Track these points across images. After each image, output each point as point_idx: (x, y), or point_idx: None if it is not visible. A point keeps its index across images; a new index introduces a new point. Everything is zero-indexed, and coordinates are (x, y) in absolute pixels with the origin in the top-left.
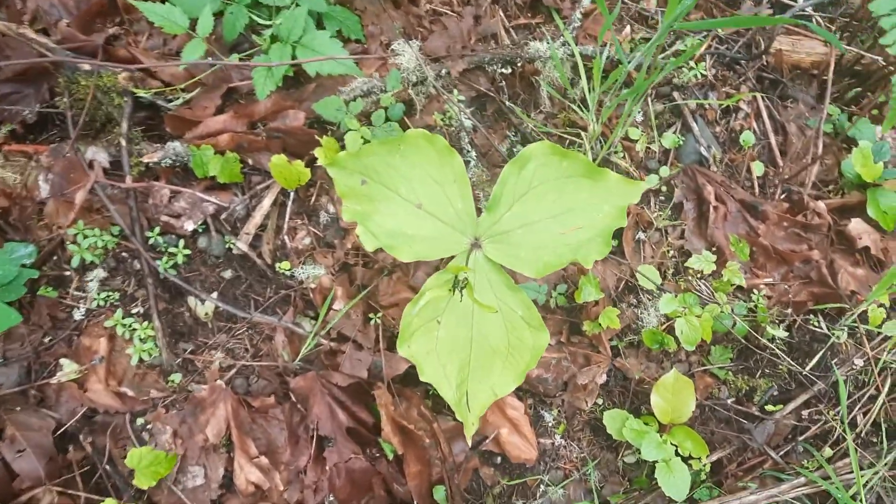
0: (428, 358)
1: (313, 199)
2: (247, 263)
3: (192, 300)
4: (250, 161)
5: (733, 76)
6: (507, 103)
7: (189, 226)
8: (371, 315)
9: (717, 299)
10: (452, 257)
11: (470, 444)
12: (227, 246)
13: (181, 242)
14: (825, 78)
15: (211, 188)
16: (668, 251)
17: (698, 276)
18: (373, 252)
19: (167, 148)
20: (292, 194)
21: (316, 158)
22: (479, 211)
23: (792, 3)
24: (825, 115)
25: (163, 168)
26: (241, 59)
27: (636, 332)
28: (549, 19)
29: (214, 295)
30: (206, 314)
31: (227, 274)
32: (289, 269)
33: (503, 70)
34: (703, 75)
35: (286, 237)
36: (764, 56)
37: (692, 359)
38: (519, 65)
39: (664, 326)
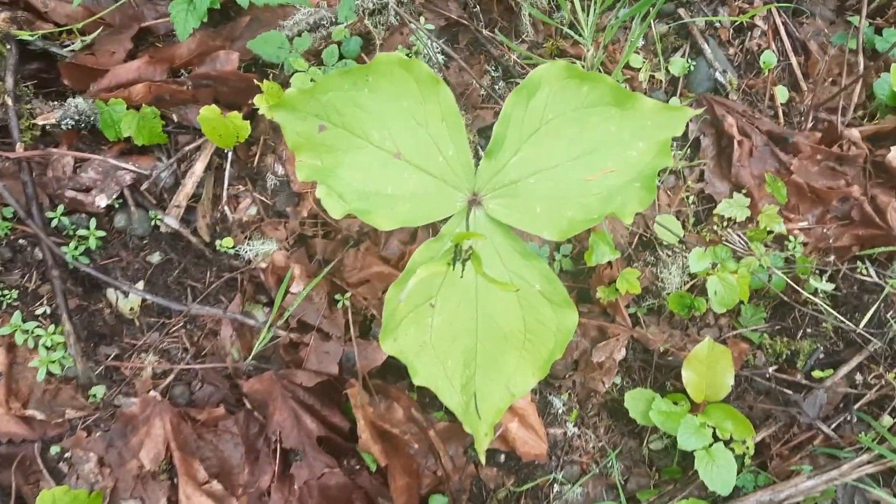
0: (422, 353)
1: (256, 159)
2: (179, 243)
3: (112, 293)
4: (175, 117)
5: None
6: (485, 32)
7: (102, 201)
8: (338, 297)
9: (753, 251)
10: (444, 221)
11: (484, 461)
12: (152, 223)
13: (93, 222)
14: None
15: (127, 153)
16: (686, 197)
17: (727, 224)
18: (339, 219)
19: (67, 105)
20: (230, 155)
21: (256, 109)
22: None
23: None
24: (862, 32)
25: (64, 132)
26: None
27: (656, 294)
28: None
29: (140, 285)
30: (132, 309)
31: (155, 258)
32: (232, 247)
33: None
34: None
35: (226, 208)
36: None
37: (721, 322)
38: None
39: (688, 286)
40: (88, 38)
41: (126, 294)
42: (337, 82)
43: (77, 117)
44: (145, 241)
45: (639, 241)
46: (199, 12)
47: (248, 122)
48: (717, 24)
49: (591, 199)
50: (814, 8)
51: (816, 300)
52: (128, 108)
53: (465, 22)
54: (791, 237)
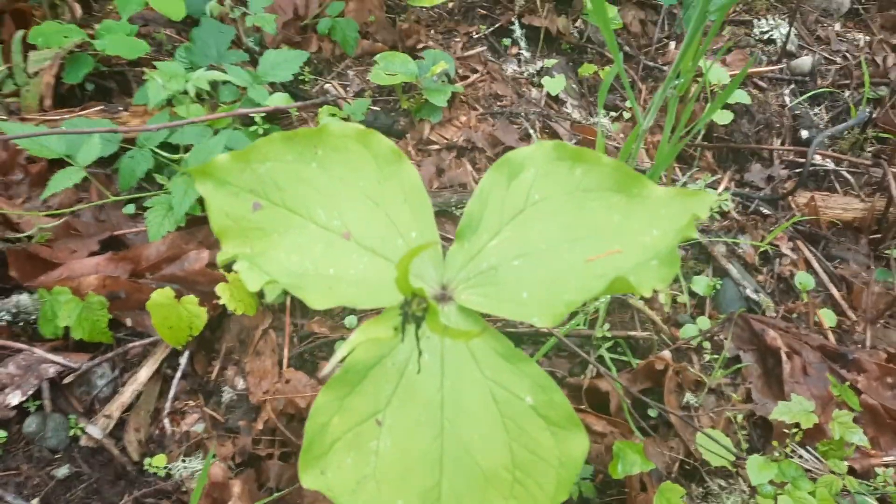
0: (360, 492)
1: (215, 372)
2: (97, 458)
3: None
4: (129, 322)
5: (764, 223)
6: None
7: (14, 398)
8: None
9: (831, 468)
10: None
11: None
12: (70, 433)
13: None
14: (874, 237)
15: (62, 350)
16: (734, 417)
17: (791, 439)
18: (256, 291)
19: (7, 301)
20: (183, 363)
21: (222, 315)
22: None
23: (802, 160)
24: None
25: None
26: (133, 202)
27: None
28: None
29: (35, 502)
30: None
31: (63, 471)
32: (164, 467)
33: None
34: (723, 213)
35: (166, 421)
36: (791, 204)
37: None
38: None
39: None
40: (49, 226)
41: None
42: (278, 150)
43: (14, 311)
44: (57, 456)
45: (680, 470)
46: (177, 216)
47: (204, 309)
48: (741, 251)
49: (594, 281)
50: (845, 254)
51: None
52: (72, 296)
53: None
54: (879, 471)
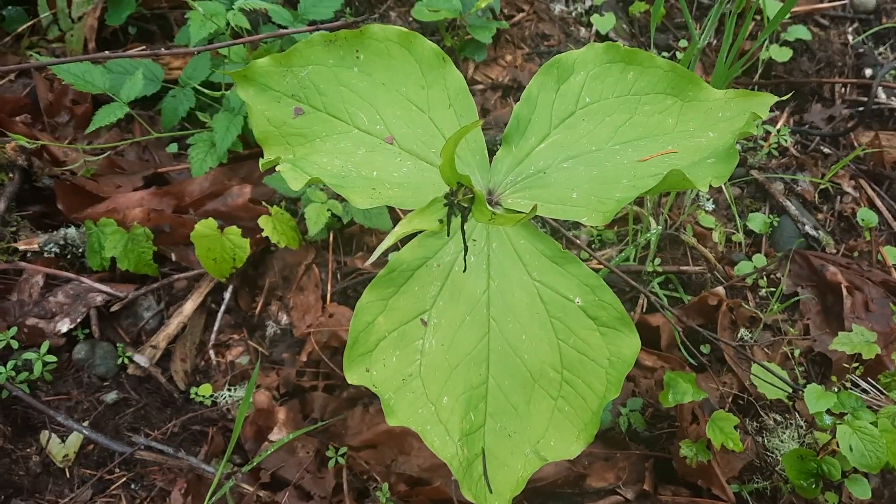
0: (405, 390)
1: (259, 307)
2: (144, 385)
3: (46, 436)
4: (173, 256)
5: (825, 161)
6: None
7: (63, 325)
8: (330, 454)
9: (893, 400)
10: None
11: None
12: (119, 361)
13: (44, 346)
14: None
15: (108, 281)
16: (791, 353)
17: (850, 373)
18: (298, 190)
19: (56, 234)
20: (227, 297)
21: (265, 251)
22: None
23: (865, 98)
24: None
25: (44, 259)
26: (176, 142)
27: (765, 472)
28: None
29: (85, 423)
30: (66, 456)
31: (111, 397)
32: (209, 396)
33: None
34: (781, 149)
35: (212, 352)
36: (854, 142)
37: None
38: None
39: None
40: (94, 159)
41: (63, 439)
42: (319, 54)
43: (62, 244)
44: (105, 383)
45: (734, 404)
46: (219, 153)
47: (248, 241)
48: (800, 189)
49: (646, 179)
50: None
51: None
52: (116, 228)
53: None
54: None
